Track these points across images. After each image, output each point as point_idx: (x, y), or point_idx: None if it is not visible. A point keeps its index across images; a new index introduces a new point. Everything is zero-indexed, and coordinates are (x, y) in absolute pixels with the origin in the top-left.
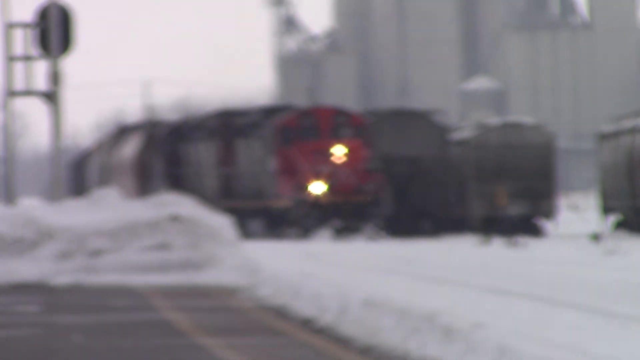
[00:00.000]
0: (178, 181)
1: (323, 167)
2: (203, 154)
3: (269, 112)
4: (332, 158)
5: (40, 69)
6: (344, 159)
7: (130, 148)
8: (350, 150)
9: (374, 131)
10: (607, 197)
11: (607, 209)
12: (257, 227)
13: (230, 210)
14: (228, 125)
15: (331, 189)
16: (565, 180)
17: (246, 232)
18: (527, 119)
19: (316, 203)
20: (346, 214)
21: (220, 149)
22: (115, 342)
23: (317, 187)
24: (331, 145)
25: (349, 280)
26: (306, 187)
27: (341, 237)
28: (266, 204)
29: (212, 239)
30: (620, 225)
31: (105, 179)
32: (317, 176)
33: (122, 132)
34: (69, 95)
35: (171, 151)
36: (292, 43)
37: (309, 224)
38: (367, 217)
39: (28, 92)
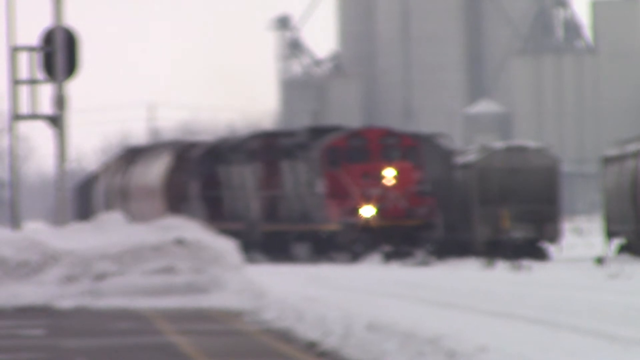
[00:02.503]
0: (217, 204)
1: (373, 190)
2: (244, 176)
3: (315, 132)
4: (383, 181)
5: (46, 93)
6: (394, 181)
7: (155, 169)
8: (400, 173)
9: (425, 153)
10: (611, 220)
11: (611, 233)
12: (303, 251)
13: (274, 234)
14: (271, 147)
15: (381, 212)
16: (570, 203)
17: (291, 256)
18: (531, 142)
19: (365, 227)
20: (396, 239)
21: (263, 170)
22: None
23: (367, 211)
24: (381, 167)
25: (353, 304)
26: (356, 211)
27: (391, 261)
28: (313, 228)
29: (216, 262)
30: (623, 249)
31: (113, 202)
32: (367, 199)
33: (132, 153)
34: (74, 119)
35: (208, 173)
36: (297, 66)
37: (358, 248)
38: (418, 242)
39: (33, 116)
